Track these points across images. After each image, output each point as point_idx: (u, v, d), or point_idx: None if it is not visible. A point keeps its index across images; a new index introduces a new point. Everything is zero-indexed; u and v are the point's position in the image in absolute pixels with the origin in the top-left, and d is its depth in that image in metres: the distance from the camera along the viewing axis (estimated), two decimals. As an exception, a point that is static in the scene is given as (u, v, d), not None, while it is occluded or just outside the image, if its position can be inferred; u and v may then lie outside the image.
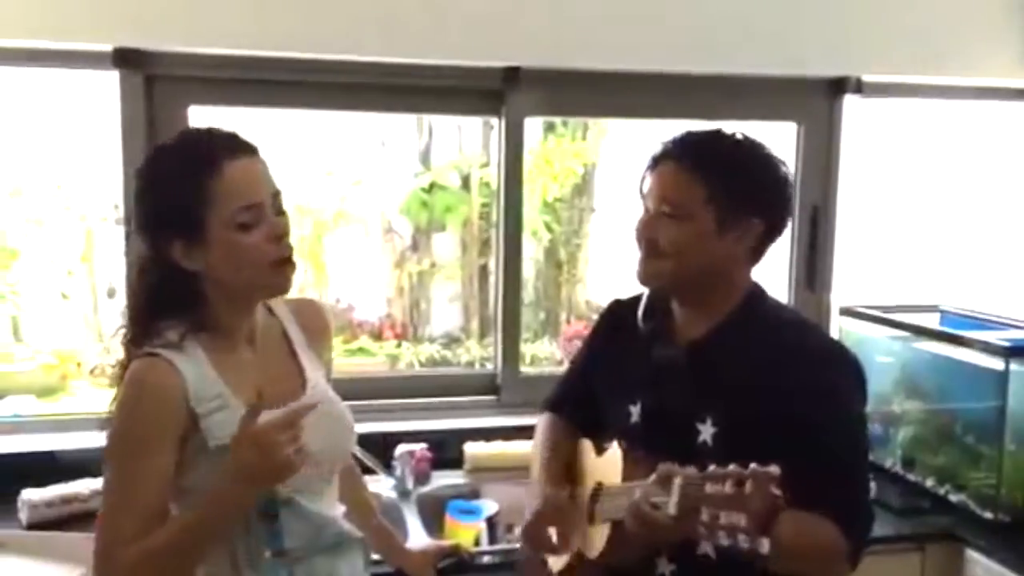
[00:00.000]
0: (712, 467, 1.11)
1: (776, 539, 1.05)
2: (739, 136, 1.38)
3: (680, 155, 1.35)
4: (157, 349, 1.27)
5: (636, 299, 1.53)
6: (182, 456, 1.27)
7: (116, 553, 1.23)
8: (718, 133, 1.38)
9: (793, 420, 1.25)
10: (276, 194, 1.31)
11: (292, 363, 1.41)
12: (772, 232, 1.38)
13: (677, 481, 1.13)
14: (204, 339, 1.31)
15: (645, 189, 1.39)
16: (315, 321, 1.49)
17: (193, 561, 1.27)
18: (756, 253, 1.40)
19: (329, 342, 1.52)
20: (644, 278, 1.41)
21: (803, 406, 1.28)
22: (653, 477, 1.18)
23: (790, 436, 1.13)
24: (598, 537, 1.38)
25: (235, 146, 1.28)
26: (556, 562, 1.50)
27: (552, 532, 1.44)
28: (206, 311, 1.31)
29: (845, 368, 1.38)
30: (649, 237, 1.36)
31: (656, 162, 1.38)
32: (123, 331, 1.33)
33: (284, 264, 1.31)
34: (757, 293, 1.43)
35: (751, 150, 1.37)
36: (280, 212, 1.31)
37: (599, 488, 1.42)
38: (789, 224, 1.42)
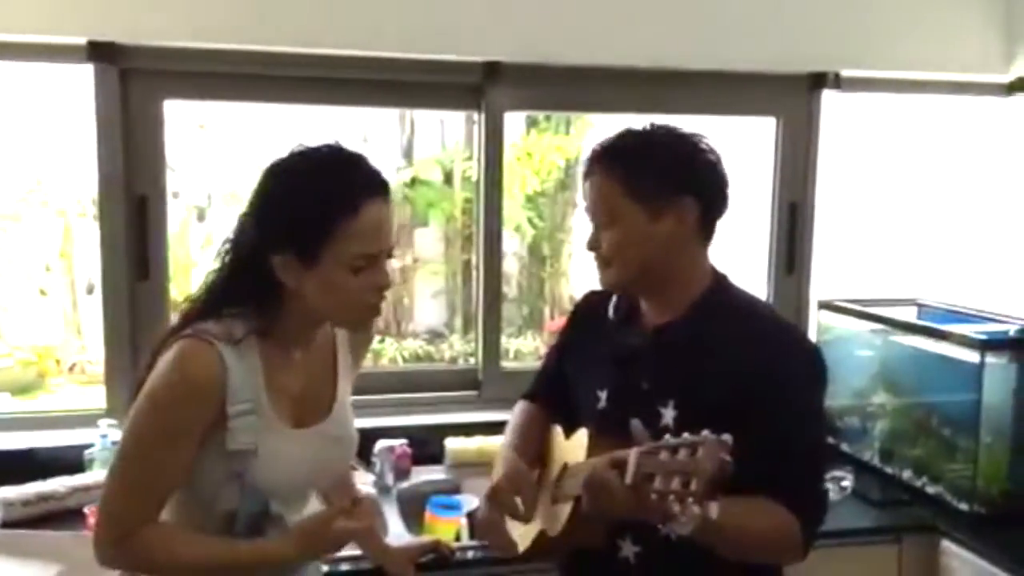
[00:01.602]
0: (667, 437, 1.14)
1: (725, 510, 1.08)
2: (648, 126, 1.41)
3: (597, 166, 1.39)
4: (213, 339, 1.25)
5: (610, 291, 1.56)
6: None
7: (129, 541, 1.24)
8: (625, 130, 1.41)
9: (749, 406, 1.27)
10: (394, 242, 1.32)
11: (330, 380, 1.42)
12: (712, 209, 1.39)
13: (633, 451, 1.17)
14: (263, 344, 1.30)
15: (585, 209, 1.45)
16: (363, 333, 1.51)
17: None
18: (704, 233, 1.41)
19: (366, 350, 1.55)
20: (605, 288, 1.48)
21: (759, 392, 1.30)
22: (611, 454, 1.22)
23: (746, 422, 1.15)
24: (562, 516, 1.40)
25: (376, 186, 1.27)
26: (522, 540, 1.50)
27: (517, 500, 1.45)
28: (277, 321, 1.31)
29: (802, 355, 1.39)
30: (592, 249, 1.42)
31: (584, 180, 1.43)
32: (192, 299, 1.32)
33: (375, 312, 1.34)
34: (721, 280, 1.45)
35: (664, 135, 1.39)
36: (390, 256, 1.31)
37: (564, 469, 1.44)
38: (729, 198, 1.41)
